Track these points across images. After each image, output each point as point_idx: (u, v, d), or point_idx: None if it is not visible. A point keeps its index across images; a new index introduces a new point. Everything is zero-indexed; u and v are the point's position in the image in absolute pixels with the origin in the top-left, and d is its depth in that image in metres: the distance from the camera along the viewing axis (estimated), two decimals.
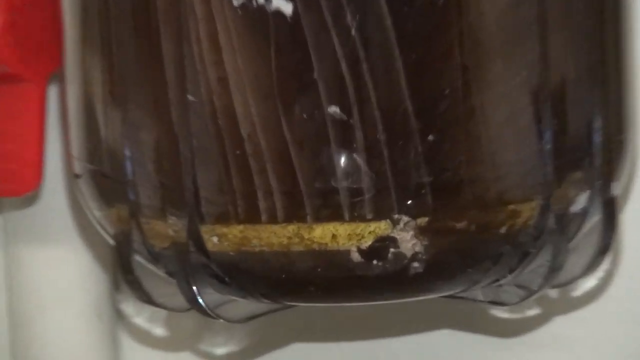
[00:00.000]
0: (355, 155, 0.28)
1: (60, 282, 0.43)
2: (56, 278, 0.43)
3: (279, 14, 0.27)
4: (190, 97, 0.29)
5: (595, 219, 0.31)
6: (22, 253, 0.43)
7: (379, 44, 0.28)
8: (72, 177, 0.34)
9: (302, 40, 0.28)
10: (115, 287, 0.42)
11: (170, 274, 0.31)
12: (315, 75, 0.28)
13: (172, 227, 0.30)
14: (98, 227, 0.33)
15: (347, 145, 0.28)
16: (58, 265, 0.43)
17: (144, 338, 0.43)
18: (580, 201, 0.30)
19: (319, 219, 0.29)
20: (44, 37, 0.37)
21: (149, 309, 0.38)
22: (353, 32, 0.27)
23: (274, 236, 0.29)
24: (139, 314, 0.39)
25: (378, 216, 0.29)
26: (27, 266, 0.43)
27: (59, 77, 0.36)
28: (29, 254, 0.43)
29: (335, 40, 0.28)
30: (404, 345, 0.43)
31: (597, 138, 0.30)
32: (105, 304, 0.41)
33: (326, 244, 0.29)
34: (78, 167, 0.34)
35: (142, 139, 0.30)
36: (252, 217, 0.29)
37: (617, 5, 0.32)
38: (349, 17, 0.27)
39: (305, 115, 0.28)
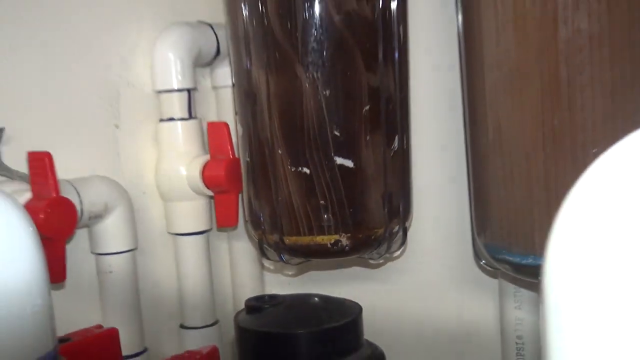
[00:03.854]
0: (326, 207, 0.91)
1: None
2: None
3: None
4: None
5: (400, 235, 0.94)
6: None
7: None
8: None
9: None
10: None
11: (276, 253, 0.93)
12: None
13: (276, 238, 0.92)
14: (252, 238, 0.96)
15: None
16: None
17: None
18: (397, 228, 0.93)
19: (321, 234, 0.91)
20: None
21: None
22: None
23: (307, 239, 0.91)
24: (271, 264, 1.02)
25: (336, 233, 0.90)
26: None
27: None
28: None
29: None
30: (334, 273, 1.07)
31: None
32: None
33: (319, 241, 0.91)
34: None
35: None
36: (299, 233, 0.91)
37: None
38: None
39: None
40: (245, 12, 0.88)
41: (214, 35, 1.00)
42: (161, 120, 0.98)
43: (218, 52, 1.01)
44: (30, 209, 0.78)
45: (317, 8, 0.85)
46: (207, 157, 0.98)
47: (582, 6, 0.77)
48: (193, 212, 0.99)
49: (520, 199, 0.84)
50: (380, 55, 0.88)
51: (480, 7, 0.84)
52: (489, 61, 0.84)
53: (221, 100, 1.04)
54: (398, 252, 0.95)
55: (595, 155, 0.80)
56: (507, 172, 0.85)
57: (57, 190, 0.80)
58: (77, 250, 0.89)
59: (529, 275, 0.85)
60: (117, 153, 0.96)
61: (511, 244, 0.86)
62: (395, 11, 0.89)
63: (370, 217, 0.91)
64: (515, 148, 0.84)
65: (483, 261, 0.91)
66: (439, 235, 1.04)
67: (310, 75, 0.86)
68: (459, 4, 0.89)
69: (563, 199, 0.82)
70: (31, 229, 0.53)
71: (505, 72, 0.83)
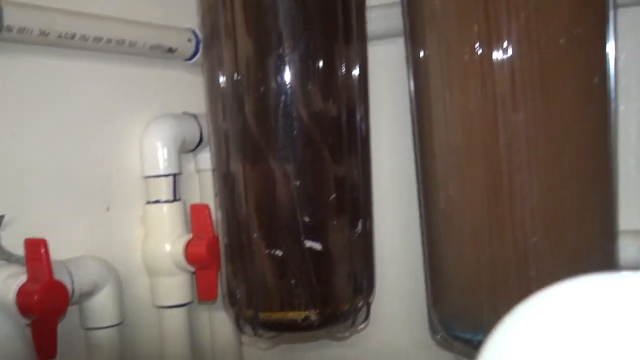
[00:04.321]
0: (297, 286, 0.98)
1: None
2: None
3: None
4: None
5: (364, 309, 1.01)
6: None
7: None
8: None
9: None
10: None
11: (251, 327, 1.00)
12: None
13: (251, 314, 0.99)
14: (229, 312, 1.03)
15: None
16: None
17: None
18: (362, 304, 1.00)
19: (292, 310, 0.98)
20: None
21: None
22: None
23: (279, 315, 0.99)
24: (246, 338, 1.09)
25: (306, 309, 0.98)
26: None
27: None
28: None
29: None
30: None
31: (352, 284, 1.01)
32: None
33: (290, 317, 0.98)
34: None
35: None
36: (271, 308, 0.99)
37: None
38: None
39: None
40: (224, 109, 0.97)
41: (198, 125, 1.09)
42: (148, 202, 1.05)
43: (201, 139, 1.09)
44: (25, 291, 0.86)
45: (288, 108, 0.93)
46: (190, 235, 1.06)
47: (520, 112, 0.86)
48: (176, 286, 1.06)
49: (469, 281, 0.92)
50: (345, 149, 0.97)
51: (431, 103, 0.93)
52: (438, 152, 0.93)
53: (204, 182, 1.13)
54: (362, 325, 1.02)
55: (536, 244, 0.88)
56: (457, 256, 0.93)
57: (50, 274, 0.87)
58: (68, 325, 0.96)
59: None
60: (107, 233, 1.03)
61: (462, 322, 0.93)
62: (358, 110, 0.98)
63: (337, 294, 0.98)
64: (463, 234, 0.92)
65: (439, 335, 0.98)
66: (400, 307, 1.11)
67: (283, 168, 0.94)
68: (414, 99, 0.97)
69: (508, 283, 0.89)
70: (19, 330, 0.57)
71: (453, 164, 0.91)
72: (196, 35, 1.08)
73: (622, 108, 1.01)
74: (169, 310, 1.07)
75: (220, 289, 1.05)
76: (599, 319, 0.38)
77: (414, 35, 0.95)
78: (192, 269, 1.05)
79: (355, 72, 0.98)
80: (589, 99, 0.88)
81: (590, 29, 0.87)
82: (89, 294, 0.95)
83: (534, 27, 0.84)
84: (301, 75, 0.94)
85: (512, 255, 0.88)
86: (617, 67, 0.94)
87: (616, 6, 0.89)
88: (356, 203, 0.99)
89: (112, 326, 0.98)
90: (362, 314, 1.01)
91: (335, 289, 0.98)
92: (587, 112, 0.88)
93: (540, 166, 0.86)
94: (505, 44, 0.85)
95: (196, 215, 1.06)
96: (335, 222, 0.97)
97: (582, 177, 0.88)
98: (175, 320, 1.07)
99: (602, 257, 0.91)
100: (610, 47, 0.88)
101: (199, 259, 1.04)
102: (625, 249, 0.98)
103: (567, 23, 0.84)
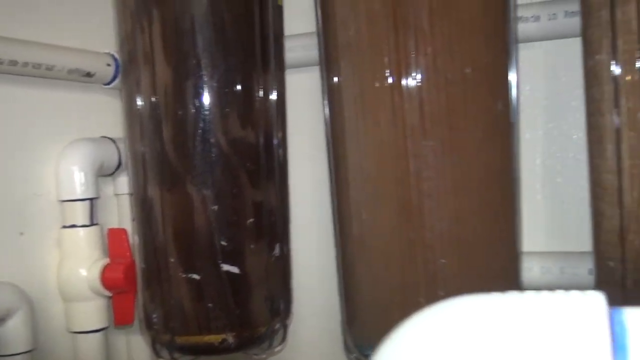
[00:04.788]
0: (214, 309, 0.98)
1: None
2: None
3: None
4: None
5: (281, 332, 1.02)
6: None
7: None
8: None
9: None
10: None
11: (167, 351, 1.00)
12: None
13: (168, 338, 0.99)
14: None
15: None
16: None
17: None
18: (279, 326, 1.01)
19: (209, 334, 0.98)
20: None
21: None
22: None
23: (196, 339, 0.99)
24: None
25: (223, 332, 0.98)
26: None
27: None
28: None
29: None
30: None
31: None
32: None
33: (207, 340, 0.98)
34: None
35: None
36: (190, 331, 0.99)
37: None
38: None
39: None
40: (142, 134, 0.97)
41: (116, 149, 1.08)
42: (64, 226, 1.04)
43: (120, 163, 1.09)
44: None
45: (206, 134, 0.94)
46: (107, 260, 1.05)
47: (429, 141, 0.90)
48: (92, 311, 1.05)
49: (381, 302, 0.94)
50: (263, 174, 0.98)
51: (344, 131, 0.95)
52: (352, 178, 0.95)
53: (122, 206, 1.12)
54: (279, 347, 1.03)
55: (444, 265, 0.91)
56: (370, 278, 0.96)
57: None
58: None
59: None
60: (21, 258, 1.01)
61: (374, 342, 0.95)
62: (276, 136, 1.00)
63: (254, 317, 0.99)
64: (376, 256, 0.94)
65: (353, 356, 1.00)
66: (317, 329, 1.13)
67: (200, 193, 0.95)
68: (329, 127, 0.99)
69: (418, 303, 0.92)
70: None
71: (366, 190, 0.94)
72: (115, 60, 1.08)
73: (527, 137, 1.06)
74: (84, 336, 1.05)
75: (137, 314, 1.04)
76: (480, 339, 0.40)
77: (329, 64, 0.98)
78: (108, 293, 1.04)
79: (273, 98, 1.00)
80: (494, 127, 0.93)
81: (494, 59, 0.91)
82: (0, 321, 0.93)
83: (441, 58, 0.88)
84: (219, 102, 0.95)
85: (422, 276, 0.91)
86: (521, 98, 1.00)
87: (517, 41, 0.94)
88: (274, 227, 1.00)
89: (24, 353, 0.95)
90: (279, 337, 1.02)
91: (253, 312, 0.99)
92: (492, 140, 0.92)
93: (449, 192, 0.90)
94: (414, 74, 0.88)
95: (113, 240, 1.06)
96: (252, 246, 0.98)
97: (488, 202, 0.93)
98: (91, 346, 1.05)
99: (507, 278, 0.95)
100: (512, 77, 0.92)
101: (116, 284, 1.03)
102: (530, 269, 1.02)
103: (472, 55, 0.89)
